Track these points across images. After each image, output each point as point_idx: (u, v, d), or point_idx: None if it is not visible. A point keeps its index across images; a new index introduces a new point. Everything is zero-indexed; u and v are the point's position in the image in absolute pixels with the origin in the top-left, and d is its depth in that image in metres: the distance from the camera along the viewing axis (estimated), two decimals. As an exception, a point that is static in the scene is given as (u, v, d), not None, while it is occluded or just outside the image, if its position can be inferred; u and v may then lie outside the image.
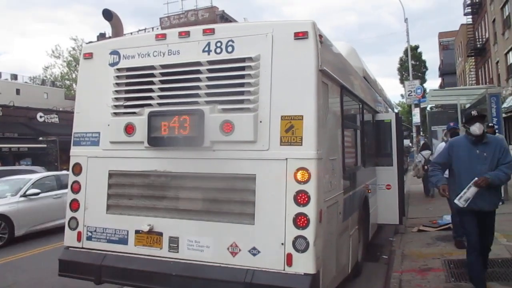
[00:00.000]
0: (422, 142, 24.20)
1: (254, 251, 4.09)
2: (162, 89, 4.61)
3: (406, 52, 40.95)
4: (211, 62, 4.38)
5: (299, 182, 3.98)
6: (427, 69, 51.59)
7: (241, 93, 4.27)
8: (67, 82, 47.28)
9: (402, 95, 49.77)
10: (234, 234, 4.19)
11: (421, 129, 29.00)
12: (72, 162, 5.06)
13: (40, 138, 29.50)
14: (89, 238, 4.87)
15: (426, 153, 14.42)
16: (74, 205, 4.98)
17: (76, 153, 5.05)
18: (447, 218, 9.52)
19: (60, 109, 36.43)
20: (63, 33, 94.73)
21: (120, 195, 4.78)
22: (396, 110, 15.61)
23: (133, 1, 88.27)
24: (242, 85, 4.27)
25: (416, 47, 48.74)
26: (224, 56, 4.36)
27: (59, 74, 48.74)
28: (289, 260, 3.94)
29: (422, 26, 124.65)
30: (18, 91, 50.43)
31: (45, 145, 29.41)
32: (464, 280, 5.64)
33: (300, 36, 4.08)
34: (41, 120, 32.18)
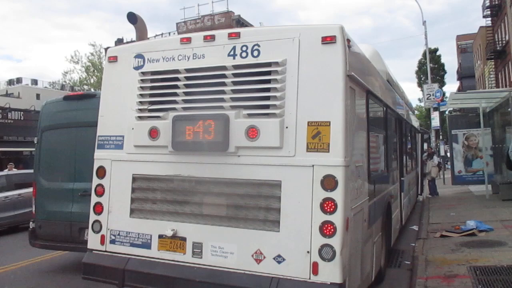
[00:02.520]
0: (441, 146, 24.40)
1: (279, 259, 4.02)
2: (186, 93, 4.57)
3: (425, 54, 40.50)
4: (236, 67, 4.33)
5: (326, 189, 3.90)
6: (445, 72, 51.04)
7: (267, 98, 4.21)
8: (86, 87, 47.87)
9: (419, 99, 49.26)
10: (258, 241, 4.12)
11: (440, 133, 28.61)
12: (96, 166, 5.06)
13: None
14: (112, 242, 4.87)
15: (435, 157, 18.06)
16: (98, 208, 4.98)
17: (100, 156, 5.05)
18: (471, 223, 9.35)
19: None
20: (81, 39, 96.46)
21: (143, 199, 4.77)
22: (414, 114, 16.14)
23: (150, 7, 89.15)
24: (268, 90, 4.22)
25: (436, 50, 48.26)
26: (249, 60, 4.31)
27: (78, 79, 49.39)
28: (315, 268, 3.86)
29: (438, 29, 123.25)
30: (38, 96, 51.41)
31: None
32: (492, 287, 5.50)
33: (328, 40, 4.00)
34: (61, 124, 32.59)
